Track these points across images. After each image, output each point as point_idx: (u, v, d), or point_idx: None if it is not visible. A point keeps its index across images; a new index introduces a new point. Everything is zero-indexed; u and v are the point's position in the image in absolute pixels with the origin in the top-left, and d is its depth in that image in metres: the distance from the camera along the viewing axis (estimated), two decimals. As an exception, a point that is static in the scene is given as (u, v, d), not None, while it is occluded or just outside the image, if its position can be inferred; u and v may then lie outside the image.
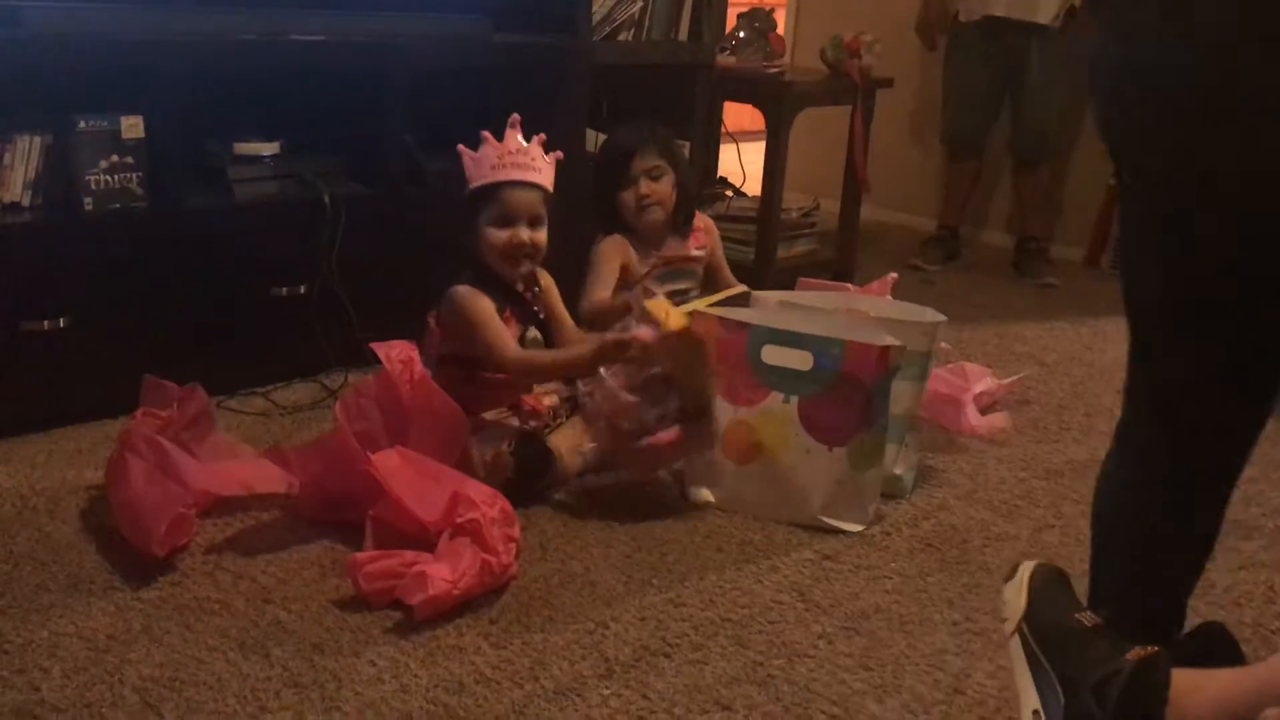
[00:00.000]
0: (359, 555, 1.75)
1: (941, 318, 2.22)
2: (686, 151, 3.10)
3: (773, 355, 2.08)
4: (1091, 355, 3.20)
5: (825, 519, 2.07)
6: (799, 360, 2.06)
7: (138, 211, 2.35)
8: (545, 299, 2.30)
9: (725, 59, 3.57)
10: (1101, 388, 2.93)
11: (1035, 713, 1.45)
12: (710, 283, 2.66)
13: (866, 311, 2.24)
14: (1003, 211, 4.54)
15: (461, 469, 1.96)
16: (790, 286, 2.63)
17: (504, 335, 2.16)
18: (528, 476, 2.07)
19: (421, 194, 2.69)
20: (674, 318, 2.03)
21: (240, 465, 2.03)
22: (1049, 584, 1.53)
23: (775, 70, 3.64)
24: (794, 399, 2.07)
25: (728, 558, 1.96)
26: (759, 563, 1.95)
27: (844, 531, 2.06)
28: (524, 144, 2.17)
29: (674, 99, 3.37)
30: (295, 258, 2.53)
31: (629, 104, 3.35)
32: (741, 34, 3.69)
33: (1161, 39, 1.25)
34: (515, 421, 2.21)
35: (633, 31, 3.18)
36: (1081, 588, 1.51)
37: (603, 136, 3.18)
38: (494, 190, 2.15)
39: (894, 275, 2.71)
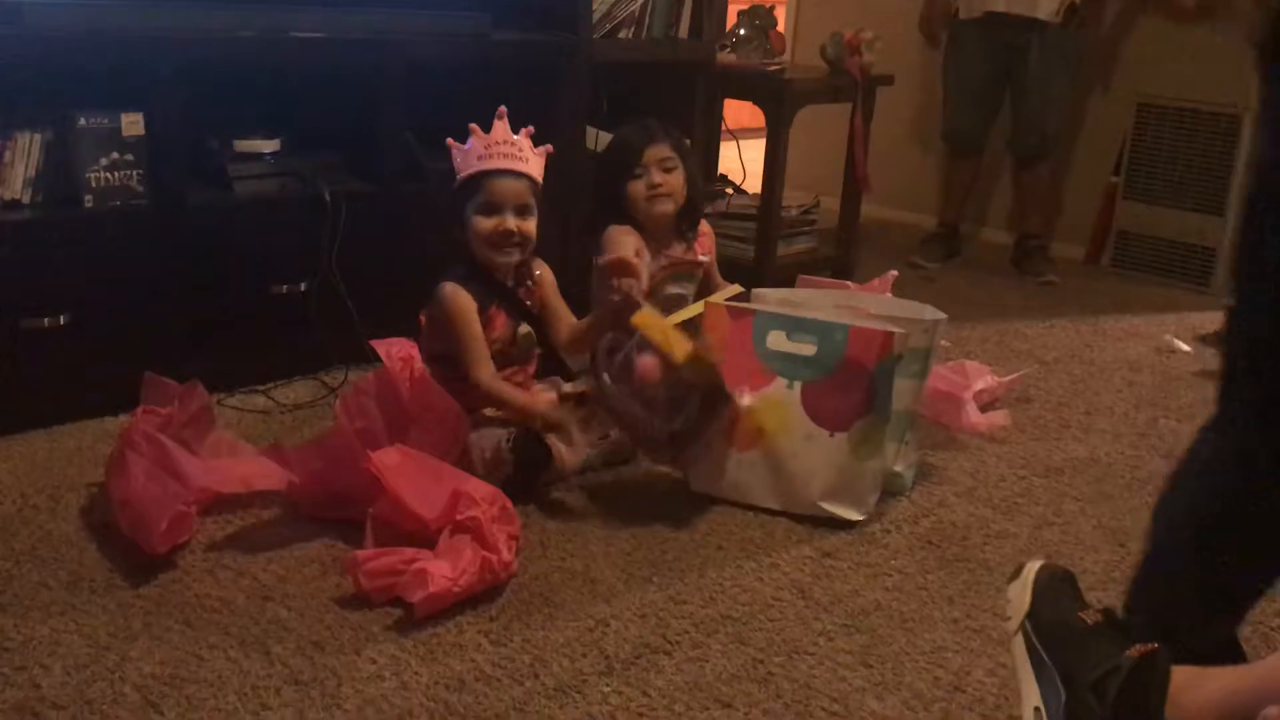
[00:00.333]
0: (359, 553, 1.75)
1: (942, 315, 2.22)
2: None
3: (777, 341, 2.10)
4: (1091, 353, 3.20)
5: (825, 506, 2.07)
6: (804, 345, 2.07)
7: (138, 209, 2.35)
8: (541, 291, 2.30)
9: (725, 56, 3.57)
10: (1101, 385, 2.94)
11: (1036, 709, 1.46)
12: (704, 285, 2.65)
13: (867, 309, 2.24)
14: (1003, 209, 4.54)
15: (461, 466, 1.97)
16: (790, 284, 2.63)
17: (480, 351, 2.15)
18: (527, 473, 2.08)
19: (421, 191, 2.69)
20: (678, 346, 2.02)
21: (240, 463, 2.03)
22: (1054, 583, 1.53)
23: (775, 68, 3.64)
24: (797, 384, 2.08)
25: (728, 555, 1.96)
26: (759, 560, 1.95)
27: (844, 520, 2.05)
28: (511, 135, 2.18)
29: (674, 96, 3.37)
30: (295, 255, 2.53)
31: (629, 102, 3.35)
32: (742, 31, 3.68)
33: None
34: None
35: (633, 29, 3.18)
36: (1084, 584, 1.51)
37: (603, 134, 3.18)
38: (480, 179, 2.15)
39: (894, 273, 2.71)
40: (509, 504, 1.83)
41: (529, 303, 2.28)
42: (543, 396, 2.25)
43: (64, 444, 2.21)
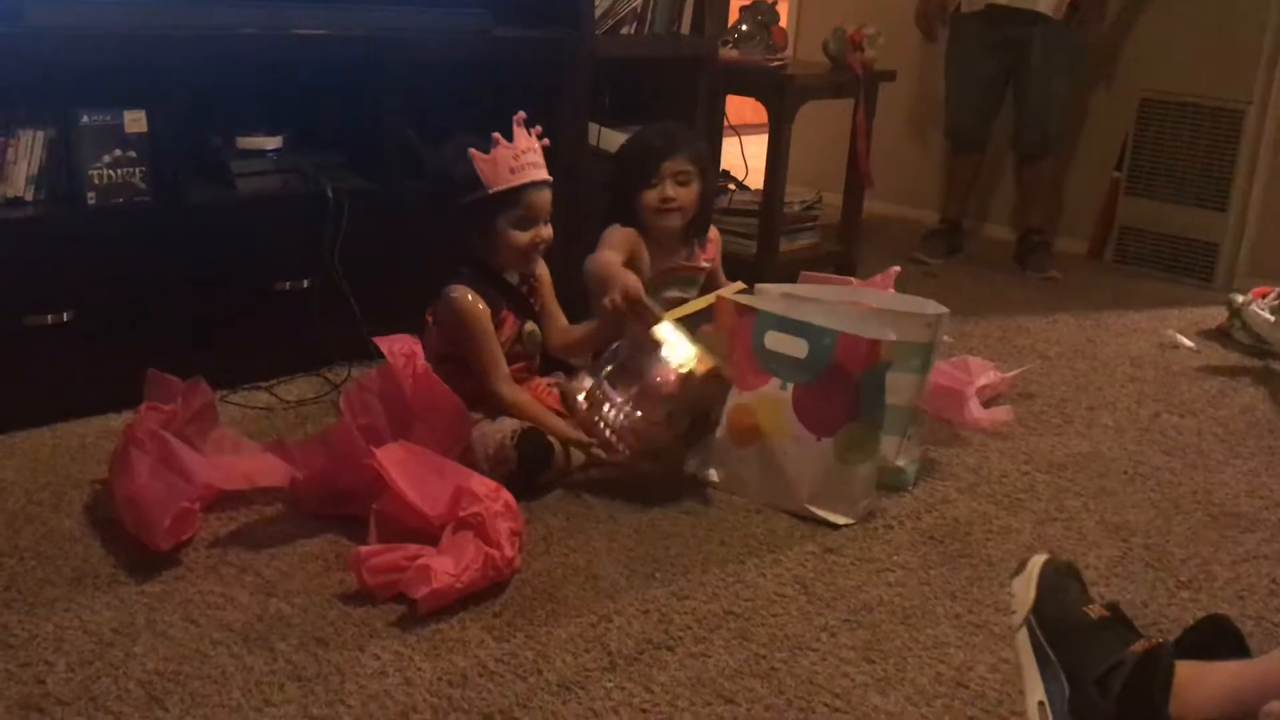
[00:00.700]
0: (362, 549, 1.75)
1: (944, 310, 2.22)
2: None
3: (774, 341, 2.10)
4: (1094, 348, 3.20)
5: (812, 509, 2.07)
6: (796, 347, 2.08)
7: (140, 206, 2.35)
8: (539, 291, 2.31)
9: (727, 52, 3.56)
10: (1104, 381, 2.93)
11: (1040, 704, 1.46)
12: (707, 288, 2.64)
13: (870, 304, 2.24)
14: (1005, 205, 4.54)
15: (465, 462, 1.97)
16: (792, 280, 2.63)
17: (498, 365, 2.16)
18: (530, 469, 2.08)
19: (424, 188, 2.69)
20: (701, 359, 2.06)
21: (244, 459, 2.03)
22: (1059, 577, 1.53)
23: (777, 63, 3.64)
24: (790, 386, 2.09)
25: (730, 551, 1.96)
26: (762, 556, 1.95)
27: (832, 523, 2.05)
28: (534, 141, 2.17)
29: (676, 92, 3.37)
30: (298, 252, 2.54)
31: (631, 98, 3.35)
32: (744, 27, 3.68)
33: None
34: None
35: (635, 25, 3.17)
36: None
37: (605, 131, 3.18)
38: (518, 194, 2.15)
39: (896, 269, 2.71)
40: (512, 500, 1.83)
41: (533, 300, 2.29)
42: (554, 394, 2.28)
43: (67, 441, 2.22)
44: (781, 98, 3.46)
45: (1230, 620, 1.44)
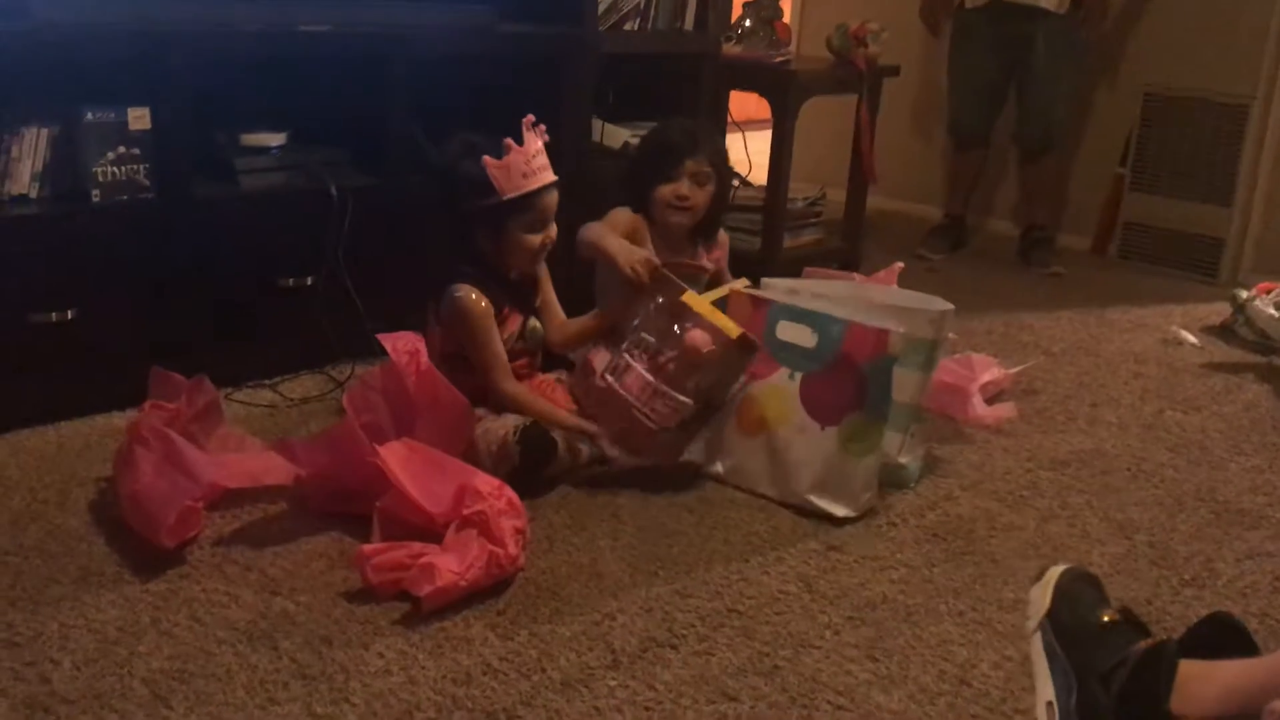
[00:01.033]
0: (366, 547, 1.75)
1: (949, 306, 2.21)
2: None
3: (785, 331, 2.12)
4: (1098, 345, 3.20)
5: (813, 499, 2.07)
6: (805, 337, 2.09)
7: (145, 203, 2.35)
8: (539, 286, 2.33)
9: (731, 48, 3.56)
10: (1108, 377, 2.93)
11: (1049, 704, 1.46)
12: (711, 289, 2.64)
13: (875, 299, 2.24)
14: (1009, 200, 4.53)
15: (468, 460, 1.97)
16: (796, 276, 2.62)
17: (502, 365, 2.17)
18: (532, 466, 2.08)
19: (428, 185, 2.69)
20: (729, 324, 2.07)
21: (248, 457, 2.04)
22: (1075, 585, 1.54)
23: (781, 59, 3.63)
24: (798, 375, 2.10)
25: (734, 549, 1.96)
26: (765, 554, 1.95)
27: (833, 516, 2.05)
28: (541, 144, 2.18)
29: (680, 88, 3.37)
30: (302, 249, 2.54)
31: (634, 94, 3.34)
32: (747, 23, 3.68)
33: None
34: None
35: (638, 21, 3.18)
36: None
37: (609, 126, 3.18)
38: (530, 198, 2.16)
39: (900, 264, 2.71)
40: (516, 498, 1.83)
41: (533, 296, 2.29)
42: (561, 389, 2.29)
43: (72, 439, 2.22)
44: (785, 93, 3.45)
45: (1236, 618, 1.45)
